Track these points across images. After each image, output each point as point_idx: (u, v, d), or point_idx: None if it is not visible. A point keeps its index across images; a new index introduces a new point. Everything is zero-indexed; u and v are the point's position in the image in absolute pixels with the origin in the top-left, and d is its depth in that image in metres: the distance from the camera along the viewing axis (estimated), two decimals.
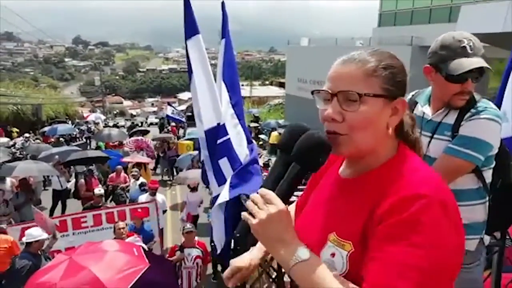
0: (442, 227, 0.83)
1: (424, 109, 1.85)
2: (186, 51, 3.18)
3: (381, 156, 0.97)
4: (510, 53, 3.03)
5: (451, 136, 1.72)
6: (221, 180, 3.02)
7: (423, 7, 21.72)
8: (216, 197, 3.00)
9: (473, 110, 1.68)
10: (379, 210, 0.88)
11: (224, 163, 3.03)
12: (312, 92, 1.01)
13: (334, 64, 0.99)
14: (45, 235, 4.85)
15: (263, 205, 0.92)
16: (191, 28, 3.16)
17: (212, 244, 5.48)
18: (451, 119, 1.75)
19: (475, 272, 1.80)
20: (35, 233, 4.79)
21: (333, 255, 0.94)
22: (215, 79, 3.26)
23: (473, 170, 1.72)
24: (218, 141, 3.07)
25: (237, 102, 3.23)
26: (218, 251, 3.08)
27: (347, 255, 0.92)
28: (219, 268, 6.83)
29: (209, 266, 6.33)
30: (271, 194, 0.93)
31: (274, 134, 18.55)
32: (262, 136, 20.53)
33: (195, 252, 5.48)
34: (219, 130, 3.09)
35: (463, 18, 11.65)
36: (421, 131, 1.82)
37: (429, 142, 1.81)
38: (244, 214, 0.95)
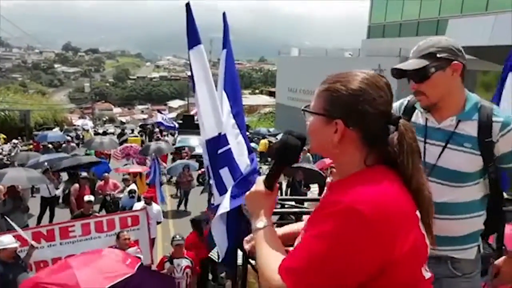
0: (351, 231, 0.90)
1: (428, 116, 1.78)
2: (189, 61, 3.16)
3: (345, 169, 1.07)
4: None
5: (478, 149, 1.67)
6: (222, 190, 3.02)
7: (411, 20, 22.17)
8: (217, 206, 3.00)
9: (498, 119, 1.66)
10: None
11: (225, 173, 3.03)
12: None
13: None
14: (14, 244, 4.70)
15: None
16: (193, 38, 3.14)
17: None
18: (469, 129, 1.70)
19: (475, 281, 1.81)
20: (5, 240, 4.65)
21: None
22: (216, 89, 3.25)
23: (489, 176, 1.72)
24: (219, 151, 3.06)
25: (238, 112, 3.23)
26: (220, 260, 3.09)
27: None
28: (210, 277, 6.80)
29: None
30: (258, 180, 1.24)
31: (263, 141, 18.62)
32: (252, 144, 20.54)
33: (185, 262, 5.45)
34: (220, 140, 3.09)
35: (451, 31, 11.94)
36: (425, 139, 1.76)
37: (441, 152, 1.73)
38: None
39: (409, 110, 1.87)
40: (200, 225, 6.51)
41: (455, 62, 1.65)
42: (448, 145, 1.72)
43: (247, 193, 1.23)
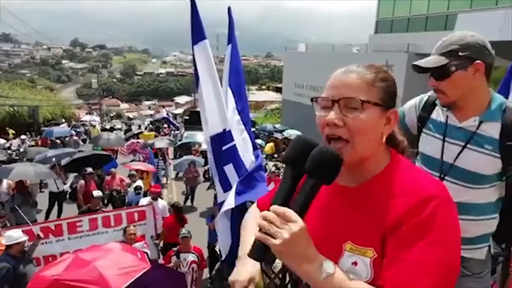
0: (453, 222, 0.94)
1: (449, 114, 1.72)
2: (193, 56, 3.11)
3: (379, 163, 1.02)
4: None
5: (499, 152, 1.61)
6: (226, 186, 2.99)
7: (419, 14, 21.90)
8: (221, 203, 2.98)
9: None
10: (394, 213, 0.92)
11: (229, 169, 3.00)
12: (312, 99, 1.04)
13: (334, 74, 1.03)
14: (24, 238, 4.74)
15: (283, 224, 0.86)
16: (198, 33, 3.10)
17: (216, 248, 5.45)
18: (492, 131, 1.63)
19: (485, 280, 1.79)
20: (15, 235, 4.67)
21: (355, 263, 0.96)
22: (221, 85, 3.22)
23: (506, 180, 1.68)
24: (224, 147, 3.03)
25: (243, 109, 3.20)
26: (223, 258, 3.07)
27: (370, 261, 0.95)
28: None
29: (205, 271, 6.30)
30: (289, 211, 0.87)
31: (270, 145, 18.50)
32: (258, 141, 20.51)
33: (191, 257, 5.45)
34: (225, 136, 3.05)
35: (460, 27, 11.77)
36: (444, 137, 1.71)
37: (460, 151, 1.67)
38: (260, 236, 0.88)
39: (429, 107, 1.81)
40: (180, 210, 6.80)
41: (478, 61, 1.58)
42: (468, 145, 1.66)
43: (287, 236, 0.85)
